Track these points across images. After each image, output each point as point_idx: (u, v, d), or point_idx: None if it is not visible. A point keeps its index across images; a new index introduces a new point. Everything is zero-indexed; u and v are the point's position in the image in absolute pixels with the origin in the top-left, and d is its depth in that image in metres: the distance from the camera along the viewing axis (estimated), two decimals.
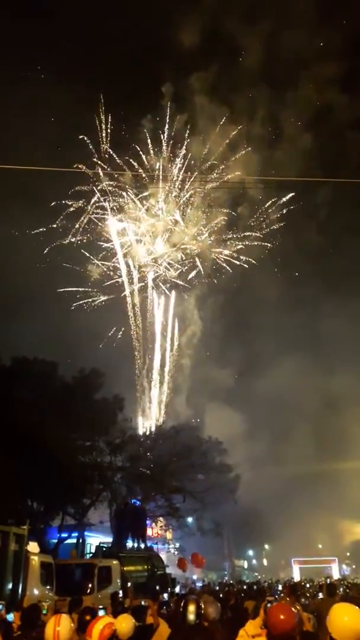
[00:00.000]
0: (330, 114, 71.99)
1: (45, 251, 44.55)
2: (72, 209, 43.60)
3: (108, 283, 45.29)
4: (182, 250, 46.42)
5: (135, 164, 43.35)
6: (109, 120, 42.80)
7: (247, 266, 47.15)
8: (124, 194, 43.87)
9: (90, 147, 42.21)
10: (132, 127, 46.65)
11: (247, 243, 46.91)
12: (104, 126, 42.31)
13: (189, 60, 68.00)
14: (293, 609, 4.18)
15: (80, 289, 45.13)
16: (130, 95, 72.65)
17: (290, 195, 44.52)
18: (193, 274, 47.19)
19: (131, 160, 43.26)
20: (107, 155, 42.70)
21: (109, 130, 42.51)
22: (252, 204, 48.31)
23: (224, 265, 47.06)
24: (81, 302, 45.04)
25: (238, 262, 46.89)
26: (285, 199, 45.96)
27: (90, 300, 45.07)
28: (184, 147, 44.30)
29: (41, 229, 44.99)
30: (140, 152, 43.44)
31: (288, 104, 69.57)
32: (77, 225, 43.49)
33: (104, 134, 42.38)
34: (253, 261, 47.13)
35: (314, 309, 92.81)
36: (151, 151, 44.01)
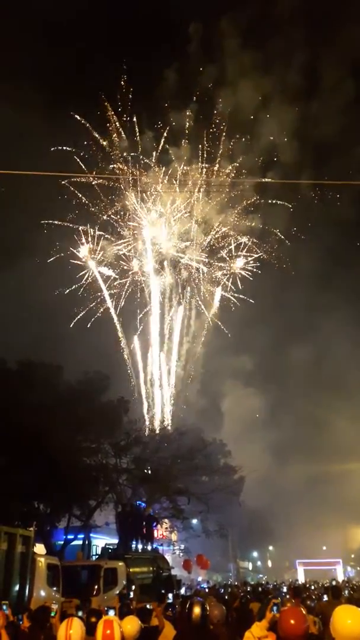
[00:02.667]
0: None
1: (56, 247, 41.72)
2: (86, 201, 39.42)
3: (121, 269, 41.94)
4: (203, 226, 42.06)
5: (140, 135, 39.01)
6: (130, 90, 38.26)
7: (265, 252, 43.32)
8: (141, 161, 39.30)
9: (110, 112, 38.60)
10: (155, 81, 42.63)
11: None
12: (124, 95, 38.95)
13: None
14: (303, 613, 4.26)
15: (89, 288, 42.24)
16: (153, 43, 65.48)
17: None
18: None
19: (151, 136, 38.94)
20: (127, 120, 39.47)
21: (130, 89, 38.09)
22: (284, 169, 44.49)
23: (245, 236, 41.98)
24: (90, 305, 42.44)
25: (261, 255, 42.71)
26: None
27: (98, 300, 42.50)
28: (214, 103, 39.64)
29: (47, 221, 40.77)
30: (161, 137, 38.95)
31: (330, 49, 62.89)
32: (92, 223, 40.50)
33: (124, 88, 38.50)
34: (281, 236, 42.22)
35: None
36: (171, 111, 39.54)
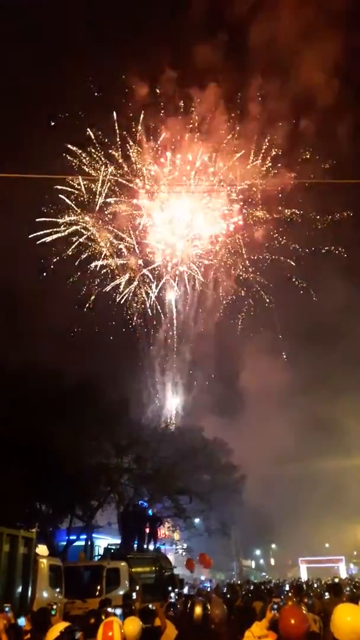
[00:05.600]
0: None
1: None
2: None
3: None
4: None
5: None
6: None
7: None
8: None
9: None
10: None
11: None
12: None
13: None
14: (303, 612, 4.28)
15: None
16: None
17: None
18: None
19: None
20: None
21: None
22: (324, 115, 41.00)
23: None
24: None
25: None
26: None
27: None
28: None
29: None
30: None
31: None
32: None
33: None
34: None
35: None
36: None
